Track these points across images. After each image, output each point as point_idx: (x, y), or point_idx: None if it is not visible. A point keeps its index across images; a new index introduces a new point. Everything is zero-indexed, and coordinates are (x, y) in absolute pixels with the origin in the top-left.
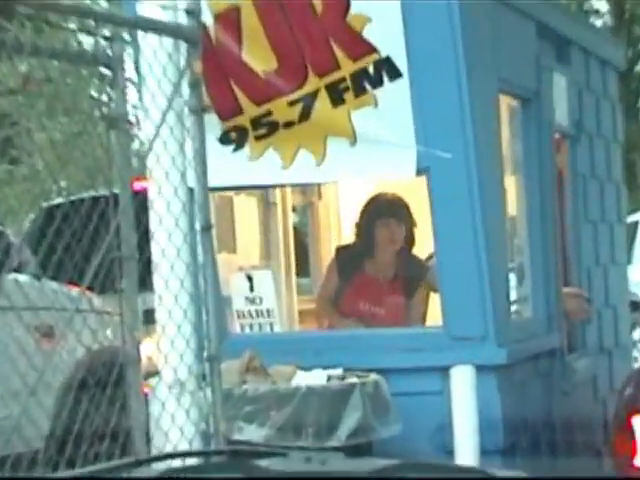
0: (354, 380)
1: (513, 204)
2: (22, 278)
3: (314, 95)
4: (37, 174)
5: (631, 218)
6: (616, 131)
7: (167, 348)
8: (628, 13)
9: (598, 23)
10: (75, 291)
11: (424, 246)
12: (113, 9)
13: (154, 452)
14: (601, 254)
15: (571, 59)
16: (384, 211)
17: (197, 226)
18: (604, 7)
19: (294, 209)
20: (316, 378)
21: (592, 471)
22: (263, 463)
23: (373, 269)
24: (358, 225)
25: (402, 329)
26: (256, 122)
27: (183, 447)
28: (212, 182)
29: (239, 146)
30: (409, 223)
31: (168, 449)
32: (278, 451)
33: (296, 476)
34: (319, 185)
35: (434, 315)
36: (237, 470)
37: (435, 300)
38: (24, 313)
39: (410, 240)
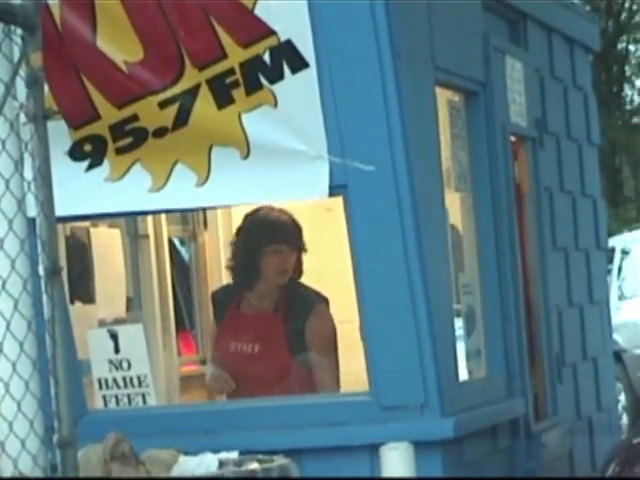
0: (254, 466)
1: (458, 229)
2: None
3: (193, 93)
4: None
5: (615, 242)
6: (590, 130)
7: (4, 433)
8: None
9: None
10: None
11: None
12: None
13: None
14: (575, 291)
15: (529, 39)
16: (274, 235)
17: (41, 270)
18: None
19: (171, 243)
20: (204, 465)
21: None
22: None
23: (249, 304)
24: (235, 250)
25: (317, 397)
26: (117, 130)
27: None
28: (60, 210)
29: (95, 162)
30: (300, 247)
31: None
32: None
33: None
34: (204, 211)
35: (351, 375)
36: None
37: (352, 355)
38: None
39: (299, 266)
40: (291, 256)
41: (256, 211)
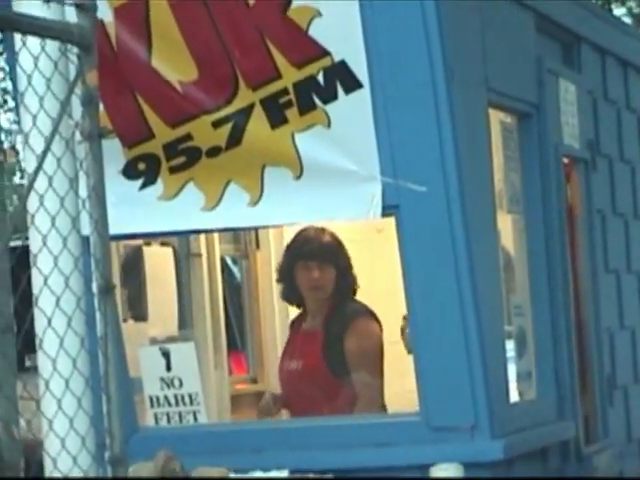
0: None
1: (510, 250)
2: None
3: (247, 112)
4: None
5: None
6: None
7: (56, 449)
8: None
9: (621, 11)
10: None
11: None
12: None
13: None
14: (627, 313)
15: (582, 61)
16: (303, 251)
17: (94, 287)
18: None
19: (223, 261)
20: None
21: None
22: None
23: (307, 322)
24: (278, 266)
25: (367, 417)
26: (171, 149)
27: None
28: (114, 229)
29: (149, 181)
30: (341, 264)
31: None
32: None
33: None
34: (256, 230)
35: (405, 396)
36: None
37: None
38: None
39: (346, 284)
40: (324, 273)
41: (301, 230)
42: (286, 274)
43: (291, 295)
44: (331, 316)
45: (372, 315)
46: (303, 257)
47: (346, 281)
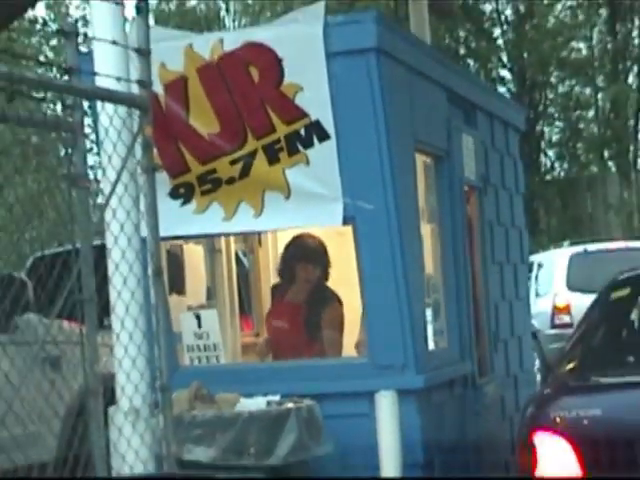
0: (290, 405)
1: (429, 248)
2: (32, 316)
3: (253, 155)
4: (5, 227)
5: (533, 258)
6: (518, 183)
7: (124, 380)
8: (529, 81)
9: (503, 90)
10: (74, 326)
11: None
12: (73, 81)
13: (113, 474)
14: (506, 291)
15: (478, 122)
16: (304, 256)
17: (149, 271)
18: (508, 75)
19: (237, 255)
20: (257, 404)
21: None
22: None
23: (290, 296)
24: (282, 261)
25: (333, 359)
26: (201, 179)
27: (138, 468)
28: (163, 232)
29: (187, 200)
30: (325, 263)
31: (125, 470)
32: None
33: None
34: (259, 234)
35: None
36: None
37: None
38: (34, 347)
39: (325, 274)
40: (315, 270)
41: (298, 236)
42: (287, 266)
43: (287, 279)
44: (312, 297)
45: (337, 297)
46: (304, 259)
47: (325, 274)
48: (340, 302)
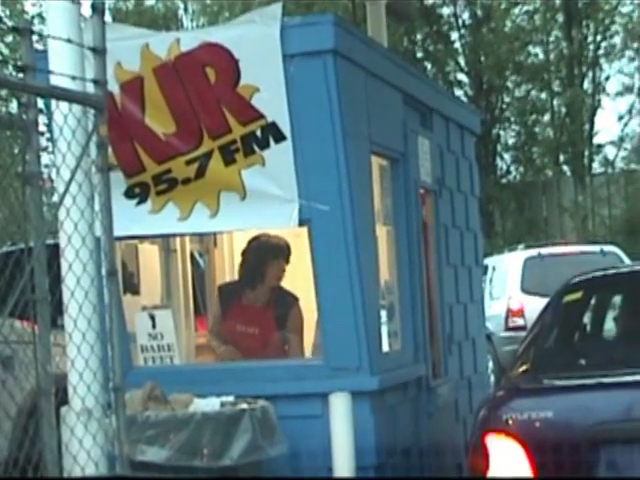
0: (244, 406)
1: (384, 250)
2: None
3: (209, 155)
4: None
5: (488, 261)
6: (473, 186)
7: (76, 380)
8: (486, 84)
9: (460, 93)
10: (26, 325)
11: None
12: (28, 79)
13: (64, 474)
14: (461, 293)
15: (433, 124)
16: (277, 253)
17: (104, 271)
18: (465, 79)
19: (192, 255)
20: (210, 405)
21: None
22: None
23: (249, 299)
24: (245, 261)
25: (288, 361)
26: (157, 179)
27: (90, 469)
28: (118, 232)
29: (142, 200)
30: (288, 259)
31: (77, 471)
32: (158, 477)
33: None
34: (214, 234)
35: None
36: None
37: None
38: None
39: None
40: (284, 268)
41: (259, 236)
42: (254, 267)
43: (253, 278)
44: (274, 299)
45: (297, 299)
46: (273, 256)
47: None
48: (298, 302)
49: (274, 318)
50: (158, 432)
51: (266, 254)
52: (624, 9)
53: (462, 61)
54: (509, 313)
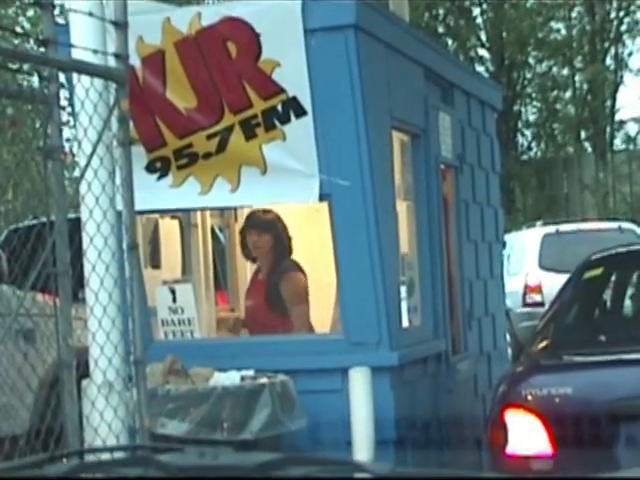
0: (264, 380)
1: (404, 226)
2: (5, 288)
3: (230, 130)
4: None
5: (508, 238)
6: (494, 163)
7: (97, 353)
8: (508, 60)
9: (481, 69)
10: (48, 298)
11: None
12: (50, 53)
13: (86, 446)
14: (481, 269)
15: (455, 100)
16: (248, 225)
17: (125, 245)
18: (487, 55)
19: (212, 229)
20: (231, 379)
21: (472, 461)
22: (163, 458)
23: (262, 272)
24: (240, 239)
25: (308, 336)
26: (178, 153)
27: (111, 441)
28: (139, 206)
29: (163, 174)
30: (276, 233)
31: (97, 443)
32: (176, 447)
33: (190, 468)
34: (235, 209)
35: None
36: (137, 465)
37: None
38: (7, 319)
39: (282, 247)
40: (262, 238)
41: (252, 211)
42: (242, 239)
43: (245, 253)
44: (271, 270)
45: (299, 267)
46: (248, 227)
47: (281, 244)
48: (302, 271)
49: (267, 289)
50: (178, 405)
51: (244, 228)
52: None
53: (484, 37)
54: (526, 289)
